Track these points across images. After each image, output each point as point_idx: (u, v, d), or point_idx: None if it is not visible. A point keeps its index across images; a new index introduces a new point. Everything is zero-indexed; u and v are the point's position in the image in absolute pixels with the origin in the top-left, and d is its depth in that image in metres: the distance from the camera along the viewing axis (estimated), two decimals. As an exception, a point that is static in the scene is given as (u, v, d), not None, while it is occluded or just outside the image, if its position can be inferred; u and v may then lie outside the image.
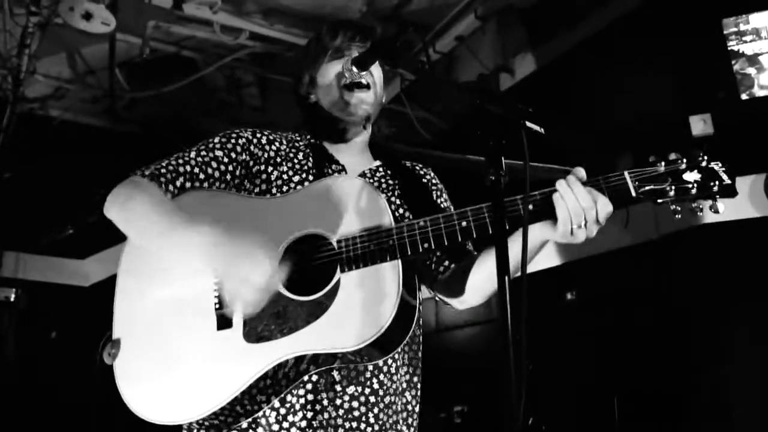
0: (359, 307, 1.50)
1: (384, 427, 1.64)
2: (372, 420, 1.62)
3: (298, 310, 1.53)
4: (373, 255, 1.53)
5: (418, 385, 1.76)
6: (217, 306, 1.57)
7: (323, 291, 1.53)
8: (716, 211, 1.45)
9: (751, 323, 3.60)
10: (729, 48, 3.68)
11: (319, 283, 1.56)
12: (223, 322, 1.56)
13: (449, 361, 5.31)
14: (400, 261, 1.53)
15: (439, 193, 1.93)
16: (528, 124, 1.26)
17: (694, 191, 1.44)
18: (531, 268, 1.42)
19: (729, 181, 1.44)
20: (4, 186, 4.82)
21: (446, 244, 1.53)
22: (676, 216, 1.48)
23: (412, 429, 1.73)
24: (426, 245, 1.53)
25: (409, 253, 1.53)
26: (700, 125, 3.62)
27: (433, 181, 1.95)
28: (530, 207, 1.48)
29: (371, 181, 1.81)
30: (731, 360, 3.62)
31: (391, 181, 1.84)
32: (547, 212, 1.47)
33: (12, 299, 5.12)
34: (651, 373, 3.89)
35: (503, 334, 1.14)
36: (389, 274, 1.52)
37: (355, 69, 1.73)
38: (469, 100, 1.32)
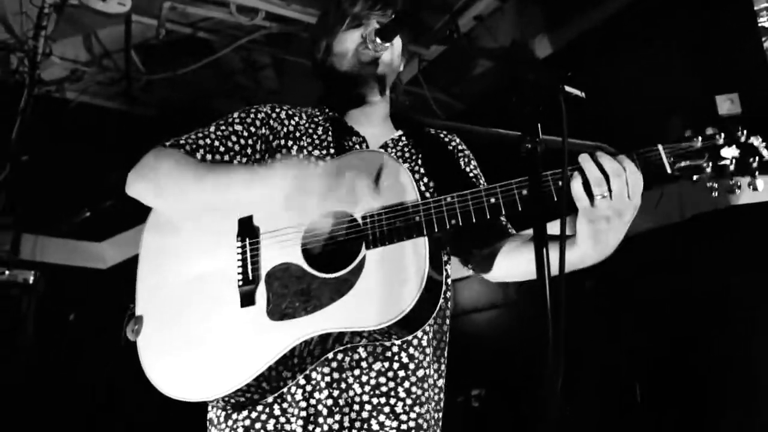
0: (385, 284, 1.47)
1: (419, 401, 1.61)
2: (403, 394, 1.59)
3: (323, 287, 1.50)
4: (399, 232, 1.49)
5: (442, 359, 1.74)
6: (240, 282, 1.56)
7: (348, 268, 1.51)
8: (755, 189, 1.40)
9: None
10: (759, 24, 3.58)
11: (343, 260, 1.53)
12: (247, 299, 1.55)
13: (467, 344, 5.28)
14: (426, 238, 1.49)
15: (466, 160, 1.89)
16: (567, 89, 1.20)
17: (732, 168, 1.38)
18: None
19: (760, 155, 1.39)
20: (21, 169, 4.82)
21: (474, 221, 1.49)
22: (713, 194, 1.41)
23: (438, 404, 1.71)
24: (453, 222, 1.49)
25: (437, 229, 1.49)
26: (726, 104, 3.53)
27: (459, 147, 1.92)
28: (557, 184, 1.41)
29: (393, 151, 1.78)
30: (757, 346, 3.56)
31: (413, 150, 1.81)
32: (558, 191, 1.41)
33: (31, 282, 5.14)
34: (673, 359, 3.84)
35: (542, 312, 1.10)
36: (416, 251, 1.49)
37: (378, 40, 1.70)
38: (499, 70, 1.27)
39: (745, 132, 1.40)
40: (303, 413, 1.54)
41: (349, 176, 1.46)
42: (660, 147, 1.41)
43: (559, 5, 4.56)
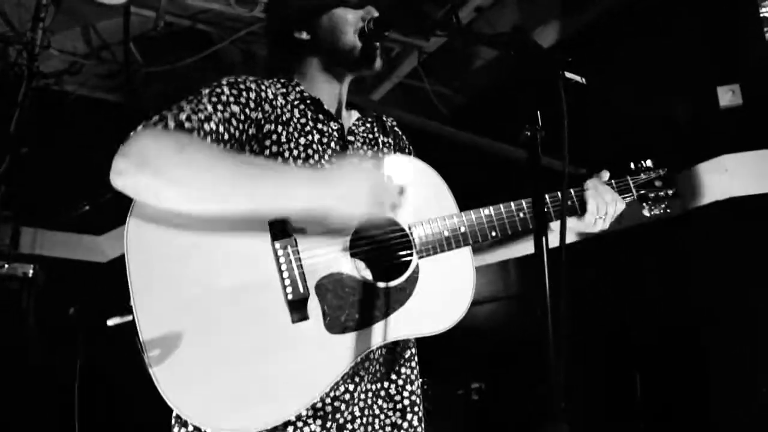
0: (441, 292, 1.56)
1: (410, 379, 1.67)
2: (394, 376, 1.65)
3: (381, 297, 1.50)
4: (448, 242, 1.58)
5: None
6: (291, 296, 1.40)
7: (404, 277, 1.53)
8: (654, 215, 1.82)
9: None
10: (761, 14, 3.55)
11: (394, 269, 1.56)
12: (299, 312, 1.41)
13: (466, 337, 5.27)
14: (470, 247, 1.61)
15: (410, 148, 1.93)
16: (567, 74, 1.20)
17: (662, 194, 1.80)
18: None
19: (676, 188, 1.82)
20: (20, 162, 4.81)
21: (509, 233, 1.63)
22: (651, 216, 1.82)
23: None
24: (494, 234, 1.61)
25: (480, 240, 1.61)
26: (728, 96, 3.52)
27: (400, 132, 1.94)
28: (580, 198, 1.74)
29: (359, 135, 1.76)
30: (757, 337, 3.55)
31: (371, 136, 1.80)
32: (580, 205, 1.74)
33: (30, 275, 5.14)
34: (673, 350, 3.83)
35: (542, 308, 1.12)
36: (463, 259, 1.60)
37: (377, 29, 1.68)
38: (501, 56, 1.26)
39: (664, 169, 1.82)
40: (320, 413, 1.49)
41: (394, 185, 1.49)
42: (629, 178, 1.80)
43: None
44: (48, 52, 4.69)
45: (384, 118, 1.91)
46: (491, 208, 1.62)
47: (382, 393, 1.62)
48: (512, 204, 1.63)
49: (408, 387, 1.66)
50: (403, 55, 5.08)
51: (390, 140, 1.85)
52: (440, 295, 1.55)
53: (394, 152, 1.84)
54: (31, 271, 5.12)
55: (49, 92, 5.06)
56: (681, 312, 3.83)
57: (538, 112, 1.19)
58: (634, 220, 1.86)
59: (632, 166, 1.82)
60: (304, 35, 1.72)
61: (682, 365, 3.78)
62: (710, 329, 3.70)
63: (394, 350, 1.66)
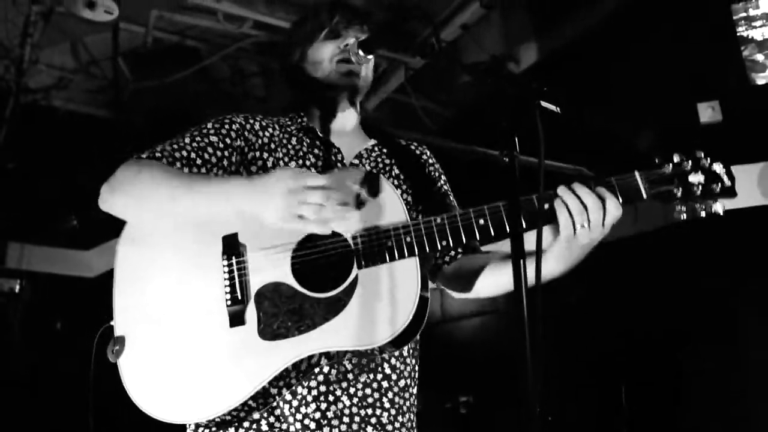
0: (378, 304, 1.49)
1: (401, 411, 1.64)
2: (387, 405, 1.62)
3: (315, 307, 1.51)
4: (391, 251, 1.51)
5: (416, 368, 1.77)
6: (229, 302, 1.54)
7: (341, 288, 1.52)
8: (716, 212, 1.48)
9: (759, 309, 3.58)
10: (738, 34, 3.63)
11: (334, 280, 1.53)
12: (236, 318, 1.53)
13: (454, 351, 5.30)
14: (417, 258, 1.51)
15: (437, 174, 1.91)
16: (543, 103, 1.23)
17: (699, 192, 1.47)
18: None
19: (729, 184, 1.48)
20: (7, 177, 4.81)
21: (464, 242, 1.53)
22: (682, 216, 1.50)
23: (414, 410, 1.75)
24: (444, 243, 1.52)
25: (428, 250, 1.51)
26: (708, 112, 3.59)
27: (430, 161, 1.93)
28: (542, 207, 1.47)
29: (367, 161, 1.79)
30: (742, 346, 3.60)
31: (387, 161, 1.82)
32: (551, 215, 1.48)
33: (17, 290, 5.13)
34: (659, 362, 3.87)
35: (520, 326, 1.12)
36: (407, 270, 1.51)
37: (361, 52, 1.72)
38: (479, 84, 1.29)
39: (708, 159, 1.48)
40: (291, 428, 1.54)
41: (338, 195, 1.46)
42: (637, 173, 1.48)
43: (544, 14, 4.60)
44: (36, 68, 4.70)
45: (413, 147, 1.93)
46: (445, 215, 1.52)
47: (373, 420, 1.59)
48: (471, 211, 1.52)
49: (400, 418, 1.64)
50: (390, 71, 5.13)
51: (409, 169, 1.84)
52: (375, 309, 1.49)
53: (410, 180, 1.82)
54: (17, 286, 5.10)
55: (37, 107, 5.06)
56: (664, 326, 3.88)
57: (516, 138, 1.21)
58: (661, 221, 1.54)
59: (657, 160, 1.48)
60: (298, 72, 1.83)
61: (665, 377, 3.82)
62: (693, 342, 3.74)
63: (389, 377, 1.64)
